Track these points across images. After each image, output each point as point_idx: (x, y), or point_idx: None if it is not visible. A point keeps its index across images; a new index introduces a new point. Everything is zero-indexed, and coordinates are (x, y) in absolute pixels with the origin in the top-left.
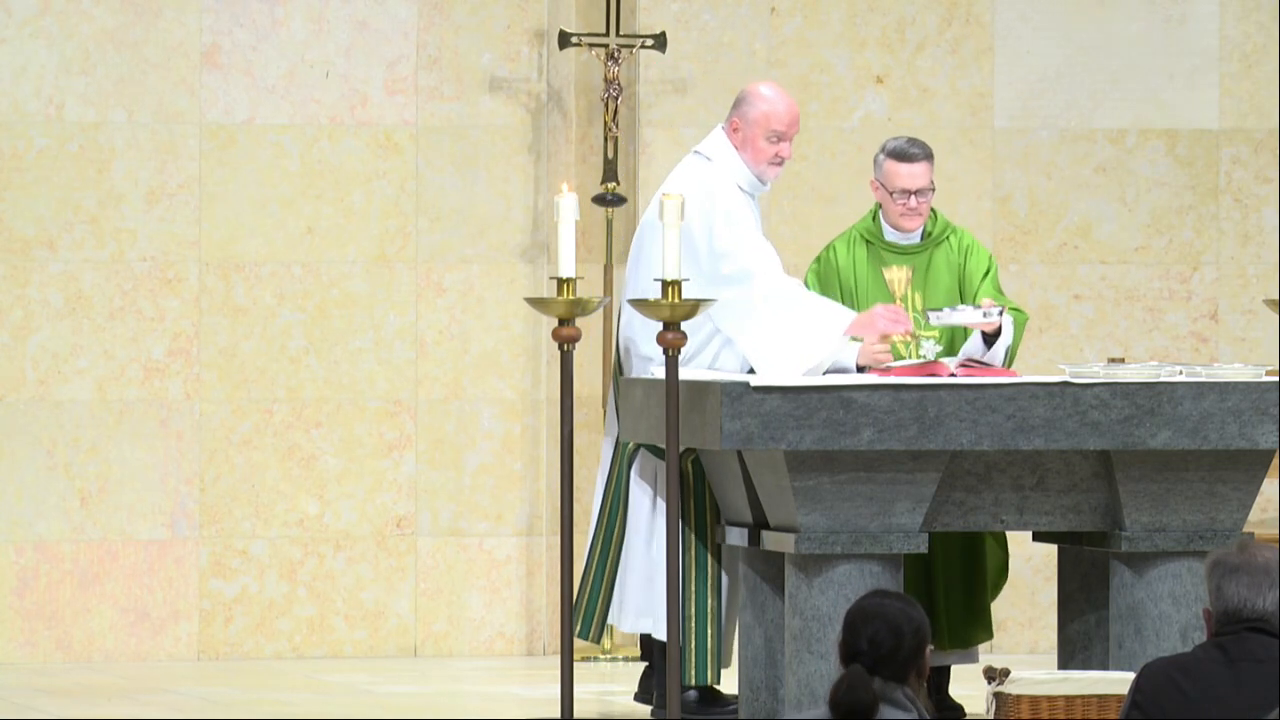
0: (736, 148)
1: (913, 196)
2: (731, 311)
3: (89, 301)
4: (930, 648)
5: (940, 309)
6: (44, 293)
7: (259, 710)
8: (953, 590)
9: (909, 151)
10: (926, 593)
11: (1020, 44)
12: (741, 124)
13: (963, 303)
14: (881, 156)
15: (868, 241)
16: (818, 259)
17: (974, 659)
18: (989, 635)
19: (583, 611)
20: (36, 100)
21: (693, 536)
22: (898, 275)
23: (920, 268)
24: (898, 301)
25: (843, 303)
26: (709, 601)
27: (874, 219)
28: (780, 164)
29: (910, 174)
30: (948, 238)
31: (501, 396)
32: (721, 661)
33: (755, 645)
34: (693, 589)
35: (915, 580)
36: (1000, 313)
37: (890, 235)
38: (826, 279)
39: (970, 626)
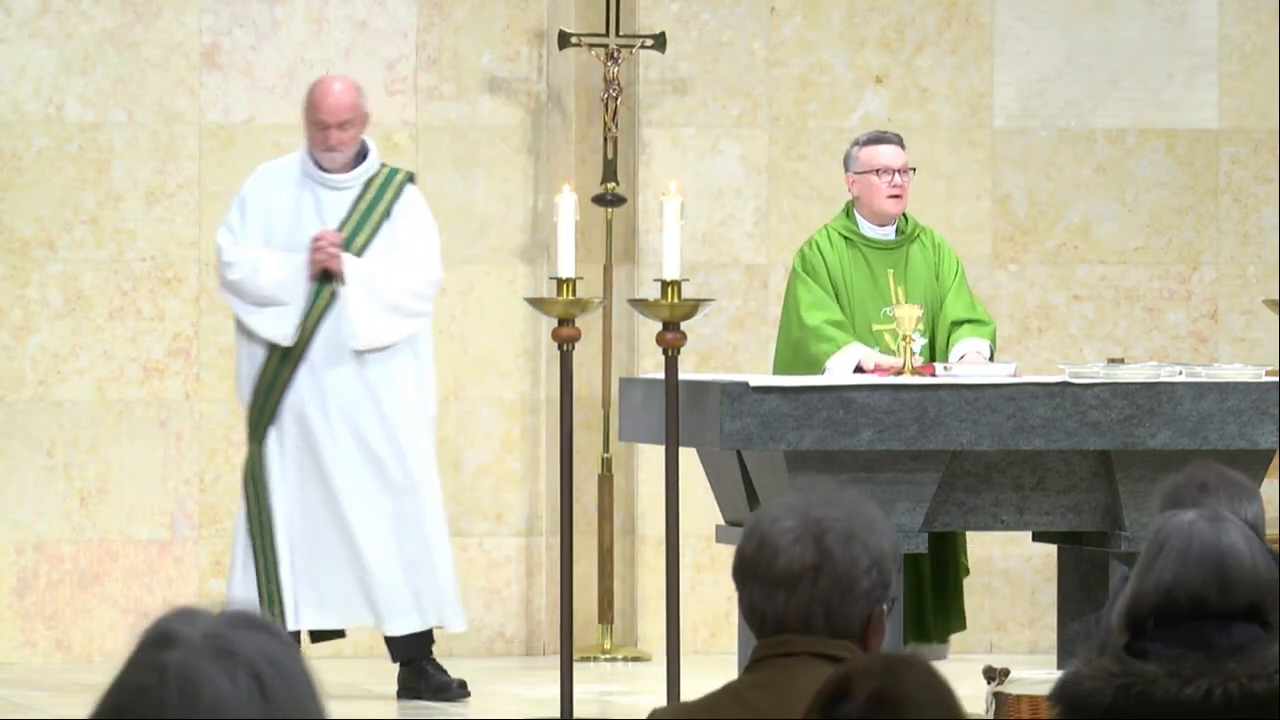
0: (308, 139)
1: (896, 174)
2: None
3: (89, 301)
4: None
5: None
6: (44, 293)
7: None
8: (928, 586)
9: (884, 134)
10: (915, 592)
11: (1020, 44)
12: (303, 117)
13: (943, 301)
14: (855, 148)
15: (846, 239)
16: (802, 256)
17: (943, 655)
18: (963, 625)
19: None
20: (36, 100)
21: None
22: (908, 314)
23: (900, 263)
24: (902, 340)
25: (835, 301)
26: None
27: (848, 215)
28: (332, 150)
29: (891, 152)
30: (919, 235)
31: (501, 396)
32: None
33: None
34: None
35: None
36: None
37: (868, 230)
38: (818, 278)
39: (948, 619)
